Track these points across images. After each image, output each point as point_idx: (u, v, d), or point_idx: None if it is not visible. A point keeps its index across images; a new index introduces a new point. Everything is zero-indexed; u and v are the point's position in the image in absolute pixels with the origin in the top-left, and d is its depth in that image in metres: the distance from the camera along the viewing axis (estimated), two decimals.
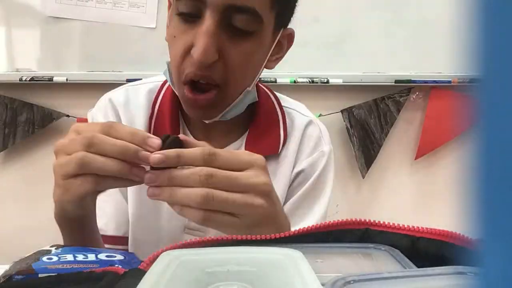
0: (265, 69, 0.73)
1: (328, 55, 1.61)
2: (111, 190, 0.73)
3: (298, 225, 0.75)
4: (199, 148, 0.50)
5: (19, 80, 1.58)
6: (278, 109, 0.80)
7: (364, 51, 1.61)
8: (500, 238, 0.12)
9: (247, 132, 0.77)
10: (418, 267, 0.40)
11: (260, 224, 0.52)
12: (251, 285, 0.33)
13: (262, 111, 0.78)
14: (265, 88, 0.82)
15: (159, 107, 0.76)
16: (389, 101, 1.66)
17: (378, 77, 1.62)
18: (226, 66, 0.63)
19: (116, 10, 1.59)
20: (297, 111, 0.82)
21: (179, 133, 0.74)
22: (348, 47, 1.61)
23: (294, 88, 1.61)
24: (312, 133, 0.80)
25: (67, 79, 1.58)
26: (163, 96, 0.77)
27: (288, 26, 0.72)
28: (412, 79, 1.61)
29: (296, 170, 0.77)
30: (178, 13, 0.63)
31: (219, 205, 0.47)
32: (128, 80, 1.27)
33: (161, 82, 0.79)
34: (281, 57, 0.73)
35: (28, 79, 1.58)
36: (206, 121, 0.71)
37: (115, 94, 0.79)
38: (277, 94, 0.83)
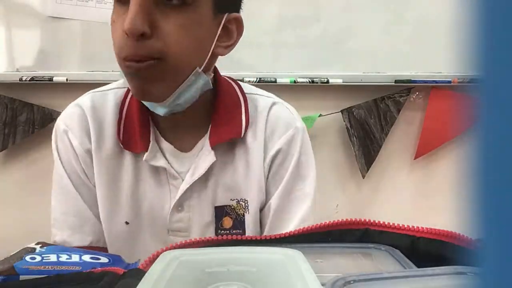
0: (220, 56, 0.72)
1: (328, 55, 1.61)
2: (69, 200, 0.75)
3: (295, 208, 0.76)
4: None
5: (19, 80, 1.58)
6: (240, 96, 0.78)
7: (364, 51, 1.61)
8: (500, 238, 0.12)
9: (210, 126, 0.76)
10: (418, 267, 0.40)
11: None
12: (251, 285, 0.33)
13: (223, 100, 0.76)
14: (228, 79, 0.81)
15: (127, 110, 0.76)
16: (389, 101, 1.65)
17: (378, 77, 1.62)
18: (161, 39, 0.62)
19: None
20: (260, 95, 0.81)
21: (149, 134, 0.73)
22: (348, 47, 1.61)
23: (294, 88, 1.61)
24: (279, 113, 0.78)
25: (67, 79, 1.58)
26: (130, 99, 0.76)
27: (239, 13, 0.71)
28: (412, 79, 1.61)
29: (272, 152, 0.76)
30: (115, 1, 0.64)
31: None
32: None
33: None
34: (233, 45, 0.72)
35: (28, 79, 1.58)
36: (163, 110, 0.69)
37: (82, 100, 0.78)
38: (241, 83, 0.82)
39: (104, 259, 0.48)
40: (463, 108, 0.12)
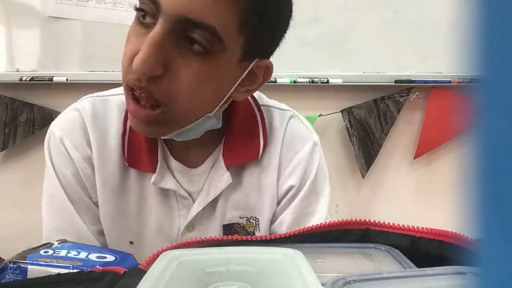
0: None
1: (328, 55, 1.61)
2: (64, 216, 0.68)
3: (307, 223, 0.71)
4: None
5: (19, 80, 1.58)
6: (256, 110, 0.72)
7: (364, 51, 1.61)
8: (500, 238, 0.12)
9: (223, 142, 0.70)
10: (418, 267, 0.40)
11: None
12: (251, 285, 0.33)
13: (239, 115, 0.70)
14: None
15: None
16: (389, 101, 1.66)
17: (378, 77, 1.62)
18: (172, 84, 0.55)
19: (116, 10, 1.59)
20: (276, 108, 0.75)
21: (157, 150, 0.68)
22: (348, 47, 1.61)
23: (294, 88, 1.61)
24: (296, 128, 0.74)
25: (67, 79, 1.58)
26: None
27: (269, 59, 0.64)
28: (412, 79, 1.61)
29: (288, 169, 0.71)
30: (136, 8, 0.56)
31: None
32: None
33: None
34: (254, 90, 0.65)
35: (28, 79, 1.58)
36: (157, 137, 0.66)
37: (81, 105, 0.71)
38: (255, 93, 0.74)
39: (110, 257, 0.48)
40: (463, 108, 0.12)
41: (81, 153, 0.68)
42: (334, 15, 1.60)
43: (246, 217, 0.72)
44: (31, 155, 1.68)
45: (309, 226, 0.46)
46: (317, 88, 1.63)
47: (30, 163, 1.68)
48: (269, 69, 0.63)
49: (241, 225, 0.72)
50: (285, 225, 0.72)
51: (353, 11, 1.60)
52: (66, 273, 0.42)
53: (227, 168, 0.68)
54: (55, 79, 1.58)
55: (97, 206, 0.70)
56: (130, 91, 0.56)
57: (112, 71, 1.55)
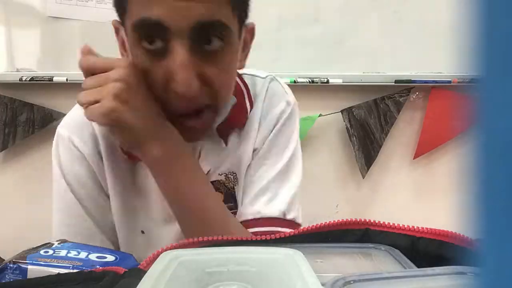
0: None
1: (328, 55, 1.61)
2: (74, 218, 0.70)
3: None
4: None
5: (19, 80, 1.58)
6: (239, 80, 0.75)
7: (364, 51, 1.61)
8: (500, 238, 0.12)
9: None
10: (418, 267, 0.40)
11: (140, 144, 0.58)
12: (251, 285, 0.33)
13: None
14: None
15: None
16: (389, 101, 1.65)
17: (378, 77, 1.62)
18: (212, 87, 0.60)
19: None
20: (256, 76, 0.78)
21: None
22: (348, 47, 1.61)
23: (294, 88, 1.60)
24: (274, 90, 0.78)
25: (67, 79, 1.58)
26: None
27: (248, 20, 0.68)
28: (412, 79, 1.61)
29: (264, 132, 0.75)
30: (143, 49, 0.58)
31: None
32: None
33: None
34: (248, 53, 0.70)
35: (28, 79, 1.58)
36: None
37: None
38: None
39: (110, 257, 0.48)
40: (463, 108, 0.12)
41: (90, 147, 0.70)
42: (334, 15, 1.60)
43: (224, 173, 0.74)
44: (31, 155, 1.68)
45: (309, 226, 0.46)
46: (317, 88, 1.63)
47: (30, 163, 1.68)
48: (253, 28, 0.68)
49: (221, 182, 0.74)
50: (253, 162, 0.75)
51: (353, 11, 1.60)
52: (66, 273, 0.42)
53: (220, 137, 0.72)
54: (55, 79, 1.58)
55: (109, 198, 0.72)
56: (177, 118, 0.61)
57: None
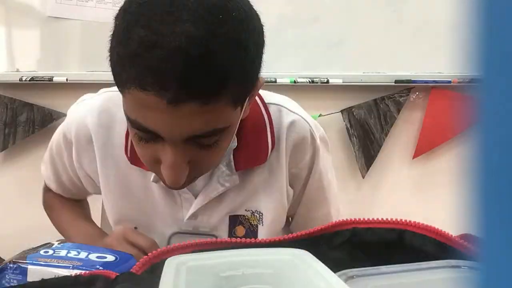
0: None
1: (328, 55, 1.61)
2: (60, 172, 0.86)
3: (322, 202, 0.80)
4: None
5: (19, 80, 1.58)
6: (263, 110, 0.71)
7: (364, 51, 1.61)
8: (499, 237, 0.12)
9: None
10: (406, 261, 0.40)
11: None
12: (273, 287, 0.33)
13: (247, 118, 0.68)
14: None
15: None
16: (389, 101, 1.66)
17: (378, 77, 1.62)
18: (198, 167, 0.58)
19: (116, 10, 1.59)
20: (283, 106, 0.73)
21: None
22: (348, 47, 1.61)
23: (294, 88, 1.61)
24: (300, 130, 0.72)
25: (67, 79, 1.58)
26: None
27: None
28: (412, 79, 1.61)
29: (294, 170, 0.74)
30: (134, 131, 0.56)
31: None
32: None
33: None
34: (253, 99, 0.67)
35: (28, 79, 1.58)
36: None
37: (95, 102, 0.73)
38: (261, 91, 0.72)
39: (110, 257, 0.48)
40: (463, 108, 0.12)
41: (86, 163, 0.76)
42: (334, 15, 1.60)
43: (251, 210, 0.74)
44: (31, 155, 1.68)
45: (300, 232, 0.46)
46: (317, 88, 1.63)
47: (30, 163, 1.68)
48: (260, 82, 0.63)
49: (246, 217, 0.74)
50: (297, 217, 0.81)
51: (353, 11, 1.60)
52: (50, 279, 0.39)
53: (236, 171, 0.70)
54: (55, 79, 1.58)
55: (99, 192, 0.77)
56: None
57: None
